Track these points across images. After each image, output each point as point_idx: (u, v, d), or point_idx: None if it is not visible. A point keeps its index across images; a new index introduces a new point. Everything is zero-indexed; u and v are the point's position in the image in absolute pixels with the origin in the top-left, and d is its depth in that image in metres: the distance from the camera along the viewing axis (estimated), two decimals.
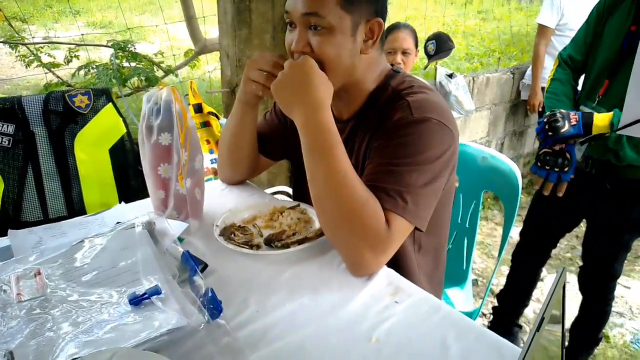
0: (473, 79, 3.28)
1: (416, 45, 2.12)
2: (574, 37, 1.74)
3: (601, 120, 1.44)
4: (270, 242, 1.01)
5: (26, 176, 1.61)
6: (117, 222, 1.04)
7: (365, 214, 0.89)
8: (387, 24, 1.05)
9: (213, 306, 0.77)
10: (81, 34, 2.95)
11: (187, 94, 2.00)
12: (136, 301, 0.77)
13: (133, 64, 2.34)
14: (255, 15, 2.03)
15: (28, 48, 2.56)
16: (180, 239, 1.03)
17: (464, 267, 1.62)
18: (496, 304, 2.19)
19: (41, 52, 2.54)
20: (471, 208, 1.60)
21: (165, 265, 0.88)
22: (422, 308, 0.84)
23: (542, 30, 3.06)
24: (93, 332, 0.72)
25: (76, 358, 0.63)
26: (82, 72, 2.33)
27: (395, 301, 0.86)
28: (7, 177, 1.57)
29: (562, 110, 1.49)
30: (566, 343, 1.96)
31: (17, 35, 2.76)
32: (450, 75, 2.84)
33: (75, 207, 1.67)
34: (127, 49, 2.35)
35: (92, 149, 1.67)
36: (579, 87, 1.75)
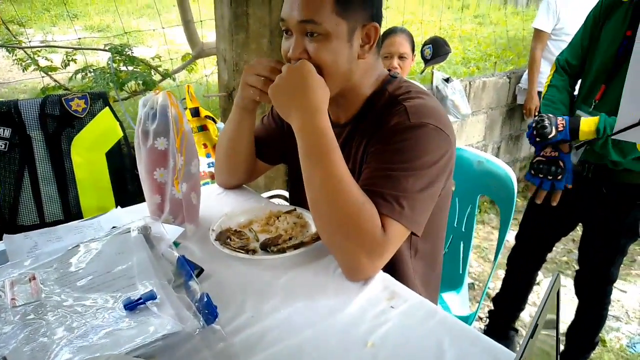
0: (469, 83, 3.29)
1: (413, 50, 2.13)
2: (571, 41, 1.75)
3: (587, 125, 1.45)
4: (266, 247, 1.01)
5: (22, 180, 1.61)
6: (113, 227, 1.04)
7: (362, 218, 0.89)
8: (383, 29, 1.06)
9: (208, 311, 0.77)
10: (78, 38, 2.96)
11: (185, 98, 2.00)
12: (131, 306, 0.77)
13: (130, 68, 2.35)
14: (252, 20, 2.04)
15: (25, 52, 2.56)
16: (176, 244, 1.02)
17: (460, 272, 1.62)
18: (492, 308, 2.19)
19: (38, 56, 2.54)
20: (467, 212, 1.60)
21: (161, 270, 0.88)
22: (418, 313, 0.84)
23: (538, 34, 3.07)
24: (88, 338, 0.71)
25: None
26: (79, 75, 2.33)
27: (391, 306, 0.86)
28: (4, 181, 1.57)
29: (550, 115, 1.50)
30: (562, 347, 1.96)
31: (14, 38, 2.76)
32: (447, 80, 2.85)
33: (71, 211, 1.66)
34: (124, 52, 2.36)
35: (88, 153, 1.66)
36: (576, 92, 1.76)
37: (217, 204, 1.24)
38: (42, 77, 2.47)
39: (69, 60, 2.54)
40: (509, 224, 1.46)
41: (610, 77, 1.55)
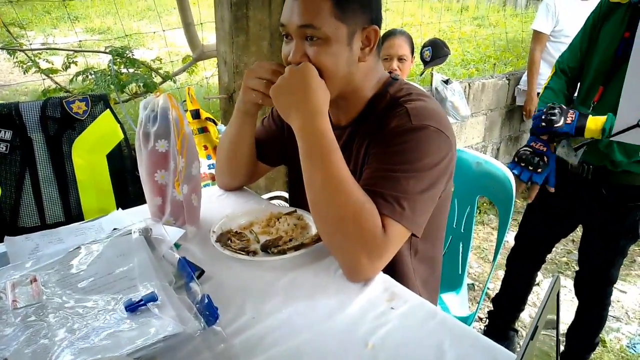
0: (469, 84, 3.30)
1: (412, 52, 2.14)
2: (570, 44, 1.76)
3: (594, 124, 1.45)
4: (266, 248, 1.02)
5: (24, 182, 1.61)
6: (114, 229, 1.04)
7: (362, 219, 0.89)
8: (383, 31, 1.06)
9: (209, 313, 0.77)
10: (79, 40, 2.96)
11: (185, 100, 2.01)
12: (132, 308, 0.77)
13: (131, 70, 2.35)
14: (252, 23, 2.04)
15: (26, 54, 2.56)
16: (176, 245, 1.03)
17: (460, 272, 1.62)
18: (492, 309, 2.19)
19: (39, 58, 2.54)
20: (466, 213, 1.61)
21: (162, 271, 0.88)
22: (418, 314, 0.85)
23: (537, 36, 3.08)
24: (89, 339, 0.72)
25: None
26: (80, 78, 2.33)
27: (391, 307, 0.86)
28: (5, 183, 1.57)
29: (563, 106, 1.49)
30: (562, 348, 1.96)
31: (15, 41, 2.76)
32: (446, 81, 2.85)
33: (72, 213, 1.67)
34: (125, 55, 2.36)
35: (89, 155, 1.67)
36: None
37: (218, 206, 1.25)
38: (43, 79, 2.47)
39: (69, 63, 2.54)
40: (508, 225, 1.47)
41: (608, 79, 1.55)
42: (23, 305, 0.79)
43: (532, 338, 0.48)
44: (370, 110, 1.06)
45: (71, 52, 2.63)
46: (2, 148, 1.56)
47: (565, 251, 3.00)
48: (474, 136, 3.50)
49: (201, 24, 2.92)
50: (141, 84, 2.28)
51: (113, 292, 0.82)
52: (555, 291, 0.58)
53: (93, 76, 2.27)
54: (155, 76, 2.64)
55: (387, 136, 0.97)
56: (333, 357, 0.76)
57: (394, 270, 1.01)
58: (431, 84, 2.87)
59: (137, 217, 1.08)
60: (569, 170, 1.71)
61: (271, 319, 0.83)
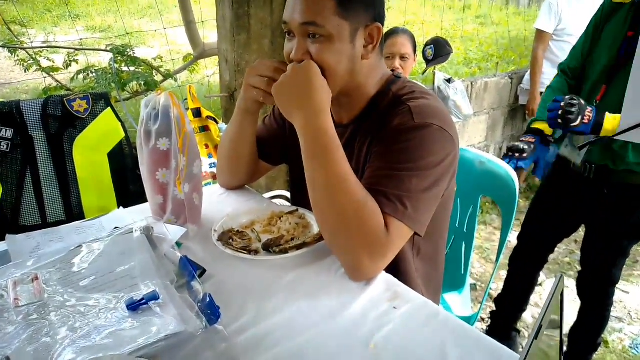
0: (471, 83, 3.29)
1: (414, 50, 2.13)
2: (574, 46, 1.76)
3: (610, 124, 1.43)
4: (268, 248, 1.01)
5: (25, 180, 1.61)
6: (115, 227, 1.04)
7: (365, 218, 0.89)
8: (385, 29, 1.06)
9: (211, 312, 0.77)
10: (80, 38, 2.95)
11: (186, 99, 2.01)
12: (134, 306, 0.77)
13: (132, 69, 2.35)
14: (254, 21, 2.04)
15: (27, 52, 2.56)
16: (178, 244, 1.02)
17: (462, 272, 1.62)
18: (494, 309, 2.19)
19: (40, 56, 2.54)
20: (469, 212, 1.60)
21: (163, 270, 0.88)
22: (421, 314, 0.84)
23: (540, 35, 3.07)
24: (91, 338, 0.72)
25: None
26: (81, 76, 2.33)
27: (393, 307, 0.86)
28: (6, 181, 1.57)
29: (582, 101, 1.43)
30: (565, 348, 1.96)
31: (16, 39, 2.77)
32: (449, 80, 2.84)
33: (73, 212, 1.66)
34: (126, 53, 2.36)
35: (90, 154, 1.67)
36: None
37: (219, 205, 1.24)
38: (44, 77, 2.47)
39: (70, 61, 2.54)
40: (511, 225, 1.46)
41: (611, 78, 1.55)
42: (25, 303, 0.79)
43: (536, 337, 0.48)
44: (373, 108, 1.06)
45: (72, 51, 2.63)
46: (3, 146, 1.56)
47: (568, 251, 3.00)
48: (476, 135, 3.49)
49: (202, 22, 2.92)
50: (142, 82, 2.28)
51: (114, 291, 0.82)
52: (559, 291, 0.57)
53: (94, 74, 2.27)
54: (156, 74, 2.64)
55: (390, 134, 0.97)
56: (335, 357, 0.75)
57: (396, 269, 1.01)
58: (433, 83, 2.86)
59: (139, 215, 1.08)
60: (571, 170, 1.71)
61: (273, 318, 0.83)
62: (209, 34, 3.29)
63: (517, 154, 1.55)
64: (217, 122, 2.07)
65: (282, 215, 1.14)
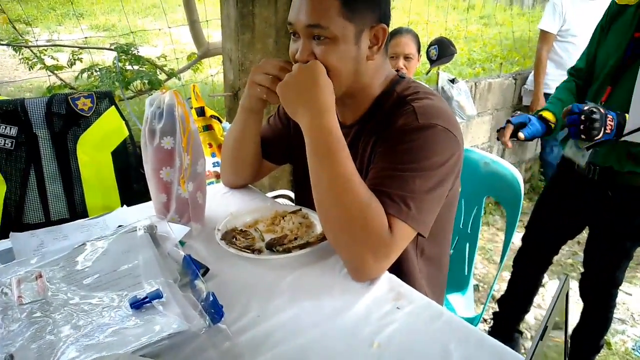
0: (475, 84, 3.28)
1: (418, 50, 2.13)
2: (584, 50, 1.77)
3: None
4: (271, 247, 1.01)
5: (28, 178, 1.61)
6: (119, 226, 1.04)
7: (369, 218, 0.89)
8: (389, 29, 1.05)
9: (214, 311, 0.77)
10: (84, 37, 2.96)
11: (190, 98, 2.01)
12: (137, 305, 0.77)
13: (136, 67, 2.35)
14: (258, 20, 2.04)
15: (31, 50, 2.57)
16: (181, 243, 1.03)
17: (466, 273, 1.61)
18: (497, 310, 2.18)
19: (44, 55, 2.55)
20: (473, 213, 1.60)
21: (167, 269, 0.88)
22: (424, 314, 0.84)
23: (544, 36, 3.06)
24: (94, 336, 0.72)
25: None
26: (85, 74, 2.34)
27: (397, 307, 0.85)
28: (10, 179, 1.57)
29: (602, 110, 1.37)
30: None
31: (20, 37, 2.77)
32: (453, 81, 2.84)
33: (77, 210, 1.66)
34: (130, 52, 2.36)
35: (94, 152, 1.67)
36: None
37: (223, 204, 1.24)
38: (49, 76, 2.48)
39: (74, 60, 2.54)
40: (515, 226, 1.46)
41: (616, 79, 1.54)
42: (28, 301, 0.79)
43: (541, 338, 0.48)
44: (377, 109, 1.06)
45: (76, 49, 2.64)
46: (8, 144, 1.56)
47: (571, 253, 2.99)
48: (479, 136, 3.48)
49: (207, 21, 2.92)
50: (146, 81, 2.28)
51: (118, 289, 0.82)
52: (564, 292, 0.57)
53: (98, 73, 2.28)
54: (160, 73, 2.64)
55: (394, 134, 0.97)
56: (338, 357, 0.75)
57: (399, 269, 1.01)
58: (437, 83, 2.86)
59: (142, 214, 1.08)
60: (576, 171, 1.70)
61: (276, 318, 0.83)
62: (213, 33, 3.28)
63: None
64: (220, 121, 2.07)
65: (285, 215, 1.14)
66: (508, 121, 1.60)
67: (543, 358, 0.54)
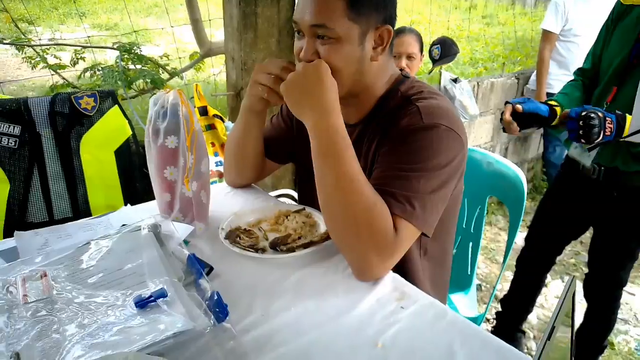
0: (477, 83, 3.28)
1: (421, 50, 2.12)
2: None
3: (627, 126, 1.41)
4: (275, 246, 1.01)
5: (32, 177, 1.61)
6: (123, 225, 1.04)
7: (374, 218, 0.89)
8: None
9: (219, 309, 0.77)
10: (87, 36, 2.96)
11: (193, 97, 2.01)
12: (142, 304, 0.77)
13: (139, 66, 2.35)
14: (261, 19, 2.04)
15: (34, 49, 2.57)
16: (185, 242, 1.03)
17: (469, 272, 1.61)
18: (500, 310, 2.18)
19: (47, 54, 2.55)
20: (476, 213, 1.60)
21: (171, 268, 0.88)
22: (428, 314, 0.84)
23: (547, 35, 3.05)
24: (99, 335, 0.72)
25: None
26: (87, 73, 2.34)
27: (401, 306, 0.85)
28: (13, 178, 1.57)
29: (599, 113, 1.37)
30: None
31: (23, 36, 2.77)
32: (455, 80, 2.84)
33: (80, 209, 1.67)
34: (132, 51, 2.36)
35: (97, 151, 1.67)
36: None
37: (226, 203, 1.24)
38: (51, 75, 2.48)
39: (77, 59, 2.55)
40: (519, 226, 1.45)
41: (622, 80, 1.54)
42: (33, 300, 0.79)
43: (549, 338, 0.47)
44: (381, 108, 1.05)
45: (79, 48, 2.64)
46: (11, 143, 1.57)
47: (573, 253, 2.98)
48: (482, 136, 3.48)
49: (209, 20, 2.92)
50: (148, 80, 2.28)
51: (122, 288, 0.82)
52: (571, 292, 0.57)
53: (101, 72, 2.28)
54: (163, 72, 2.64)
55: (399, 134, 0.97)
56: (342, 356, 0.75)
57: (402, 269, 1.01)
58: (440, 83, 2.85)
59: (146, 213, 1.08)
60: (581, 172, 1.70)
61: (280, 317, 0.83)
62: (216, 33, 3.28)
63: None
64: (223, 121, 2.07)
65: (289, 214, 1.14)
66: (507, 102, 1.59)
67: (549, 358, 0.53)
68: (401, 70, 1.12)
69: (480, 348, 0.76)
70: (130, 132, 1.72)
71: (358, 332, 0.80)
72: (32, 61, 2.49)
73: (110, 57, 3.12)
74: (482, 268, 2.82)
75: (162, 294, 0.79)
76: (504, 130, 1.58)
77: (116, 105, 1.70)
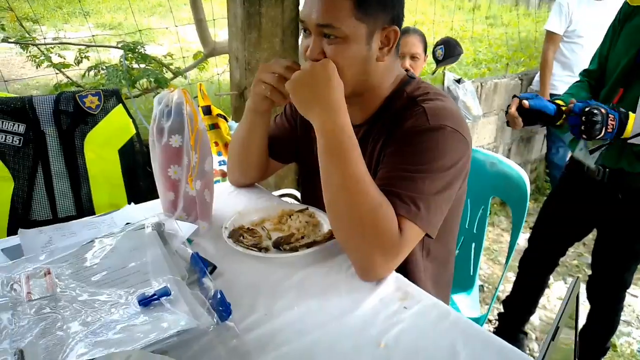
0: (481, 84, 3.27)
1: (425, 50, 2.12)
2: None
3: (630, 125, 1.39)
4: (278, 245, 1.01)
5: (36, 175, 1.62)
6: (127, 223, 1.04)
7: (379, 218, 0.89)
8: None
9: (222, 308, 0.77)
10: (91, 35, 2.97)
11: (196, 96, 2.01)
12: (145, 302, 0.78)
13: (142, 66, 2.36)
14: (265, 19, 2.04)
15: (39, 48, 2.57)
16: (189, 241, 1.03)
17: (471, 273, 1.61)
18: (502, 310, 2.18)
19: (51, 53, 2.55)
20: (479, 214, 1.59)
21: (175, 266, 0.88)
22: (431, 314, 0.84)
23: (550, 36, 3.05)
24: (102, 333, 0.72)
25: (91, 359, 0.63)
26: (92, 72, 2.35)
27: (404, 307, 0.85)
28: (17, 176, 1.58)
29: (602, 109, 1.38)
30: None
31: (28, 35, 2.78)
32: (458, 81, 2.83)
33: (84, 207, 1.67)
34: (136, 50, 2.37)
35: (101, 150, 1.67)
36: None
37: (230, 202, 1.25)
38: (56, 73, 2.48)
39: (81, 58, 2.55)
40: (522, 227, 1.45)
41: (628, 81, 1.53)
42: (37, 297, 0.79)
43: (553, 339, 0.47)
44: (387, 109, 1.05)
45: (83, 47, 2.64)
46: (16, 141, 1.57)
47: (576, 254, 2.98)
48: (485, 136, 3.48)
49: (213, 20, 2.92)
50: (152, 80, 2.29)
51: (126, 286, 0.83)
52: (575, 294, 0.57)
53: (105, 71, 2.28)
54: (167, 72, 2.65)
55: (404, 135, 0.97)
56: (345, 356, 0.75)
57: (405, 269, 1.01)
58: (443, 83, 2.85)
59: (149, 212, 1.09)
60: (585, 173, 1.70)
61: (283, 316, 0.83)
62: (220, 32, 3.29)
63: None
64: (227, 120, 2.07)
65: (292, 214, 1.14)
66: (514, 96, 1.58)
67: (558, 358, 0.53)
68: (407, 71, 1.12)
69: (483, 348, 0.76)
70: (134, 131, 1.72)
71: (361, 331, 0.80)
72: (37, 60, 2.50)
73: (114, 56, 3.12)
74: (484, 269, 2.81)
75: (165, 293, 0.79)
76: (508, 124, 1.58)
77: (120, 104, 1.70)
